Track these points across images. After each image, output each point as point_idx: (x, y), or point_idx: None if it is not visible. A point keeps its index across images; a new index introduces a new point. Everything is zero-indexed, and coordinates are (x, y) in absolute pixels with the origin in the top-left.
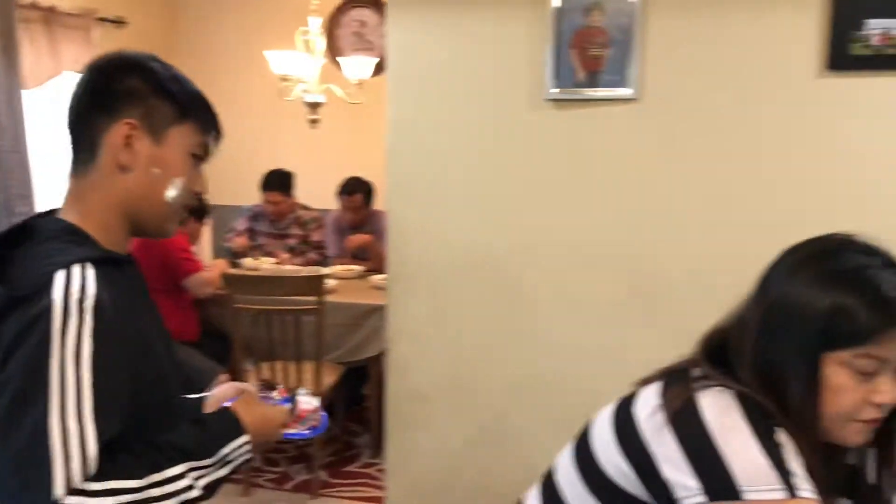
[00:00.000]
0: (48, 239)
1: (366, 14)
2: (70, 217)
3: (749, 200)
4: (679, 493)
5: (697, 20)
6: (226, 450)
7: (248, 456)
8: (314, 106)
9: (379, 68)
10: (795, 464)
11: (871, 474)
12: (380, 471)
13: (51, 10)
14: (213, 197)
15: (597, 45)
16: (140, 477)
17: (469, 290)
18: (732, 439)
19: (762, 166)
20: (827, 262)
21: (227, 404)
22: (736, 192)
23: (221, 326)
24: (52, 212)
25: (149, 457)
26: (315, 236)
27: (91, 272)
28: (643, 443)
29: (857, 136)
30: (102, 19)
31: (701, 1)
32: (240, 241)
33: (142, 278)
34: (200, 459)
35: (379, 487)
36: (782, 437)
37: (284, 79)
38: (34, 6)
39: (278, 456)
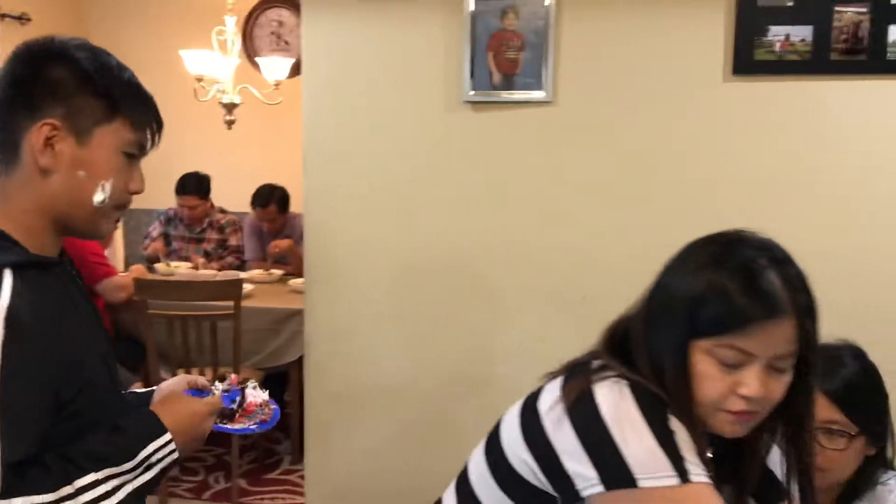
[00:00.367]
0: None
1: (283, 14)
2: None
3: (659, 200)
4: (579, 483)
5: (610, 25)
6: (146, 451)
7: (175, 455)
8: (230, 107)
9: (296, 69)
10: (688, 450)
11: (779, 470)
12: (301, 477)
13: None
14: None
15: (512, 49)
16: (50, 491)
17: (387, 291)
18: (627, 429)
19: (672, 167)
20: (712, 253)
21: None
22: (647, 192)
23: (135, 333)
24: None
25: (60, 469)
26: (232, 240)
27: (7, 280)
28: (545, 435)
29: (760, 138)
30: (4, 15)
31: (613, 6)
32: (154, 247)
33: (75, 280)
34: (118, 465)
35: (300, 493)
36: (675, 425)
37: (199, 79)
38: None
39: (196, 465)
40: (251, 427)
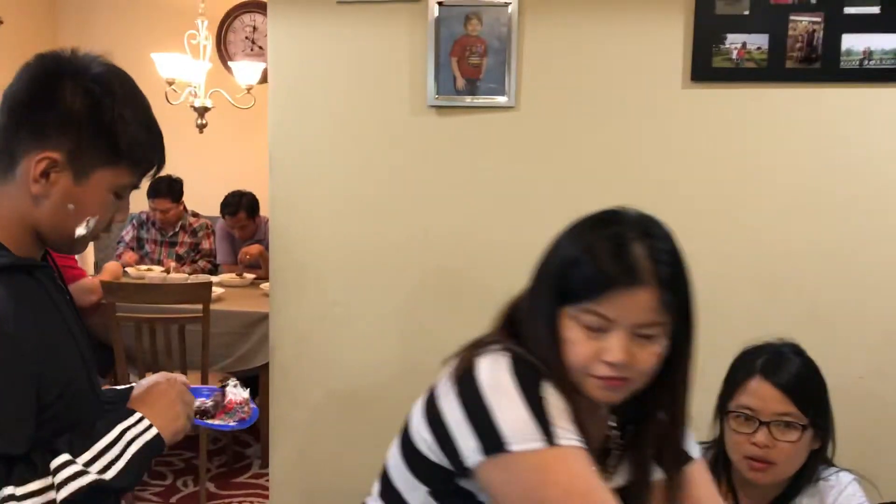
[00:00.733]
0: None
1: (258, 19)
2: None
3: (619, 203)
4: (464, 454)
5: (571, 32)
6: (115, 432)
7: (153, 431)
8: (202, 111)
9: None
10: (559, 416)
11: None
12: (269, 480)
13: None
14: None
15: (475, 54)
16: (39, 478)
17: (353, 294)
18: (501, 397)
19: (632, 172)
20: (588, 225)
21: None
22: (607, 197)
23: (104, 337)
24: None
25: (41, 460)
26: (205, 244)
27: None
28: (438, 410)
29: (718, 143)
30: None
31: (575, 14)
32: (128, 258)
33: (57, 283)
34: (89, 445)
35: (268, 497)
36: (548, 392)
37: (171, 82)
38: None
39: (165, 469)
40: (231, 424)
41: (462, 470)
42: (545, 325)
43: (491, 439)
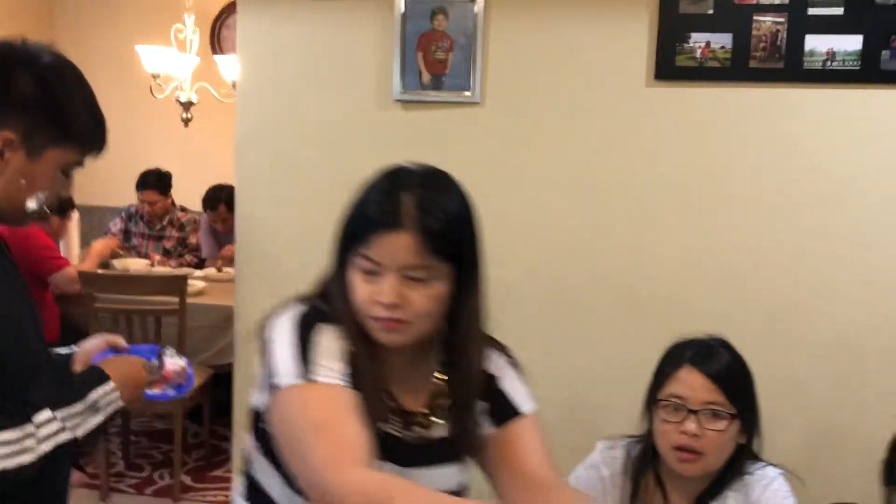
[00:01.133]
0: None
1: None
2: None
3: (583, 200)
4: (261, 402)
5: (537, 28)
6: (94, 394)
7: (118, 403)
8: (187, 105)
9: None
10: (326, 356)
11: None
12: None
13: None
14: (86, 197)
15: (441, 49)
16: (16, 427)
17: None
18: (279, 341)
19: (595, 169)
20: (372, 178)
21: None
22: (570, 193)
23: (83, 326)
24: None
25: (20, 410)
26: (192, 239)
27: None
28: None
29: (681, 141)
30: None
31: (541, 11)
32: (112, 241)
33: (5, 253)
34: (70, 405)
35: None
36: (323, 335)
37: (156, 76)
38: None
39: (143, 461)
40: (170, 393)
41: None
42: (336, 273)
43: (270, 378)
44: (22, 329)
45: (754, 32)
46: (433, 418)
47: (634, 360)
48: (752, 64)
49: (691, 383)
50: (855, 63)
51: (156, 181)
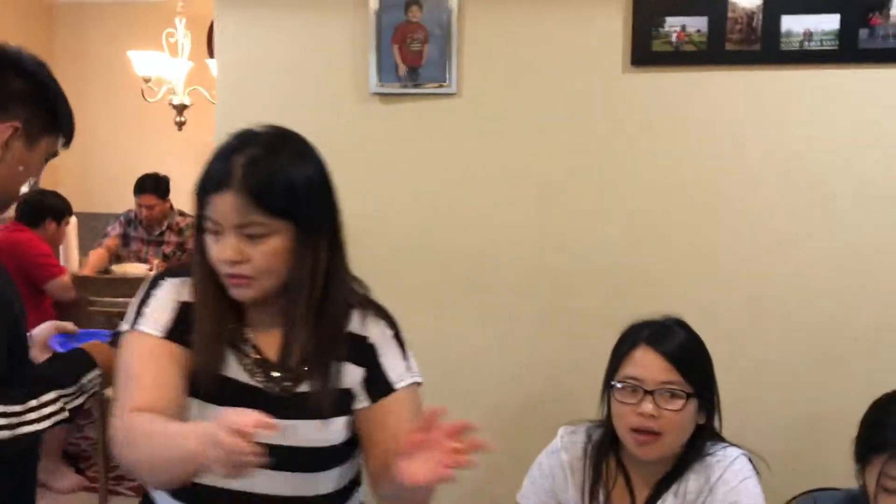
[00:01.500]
0: None
1: None
2: None
3: (562, 190)
4: None
5: (512, 17)
6: (84, 380)
7: (98, 387)
8: (180, 108)
9: None
10: (156, 308)
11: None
12: None
13: None
14: (85, 204)
15: (416, 41)
16: (20, 403)
17: None
18: (135, 296)
19: (574, 157)
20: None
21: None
22: (549, 182)
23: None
24: None
25: (23, 387)
26: (191, 243)
27: None
28: None
29: (659, 127)
30: None
31: None
32: (109, 243)
33: None
34: (64, 387)
35: None
36: (162, 290)
37: (147, 80)
38: None
39: None
40: None
41: None
42: (196, 236)
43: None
44: (17, 316)
45: (730, 14)
46: (292, 372)
47: None
48: (729, 46)
49: (647, 363)
50: (833, 43)
51: (153, 185)
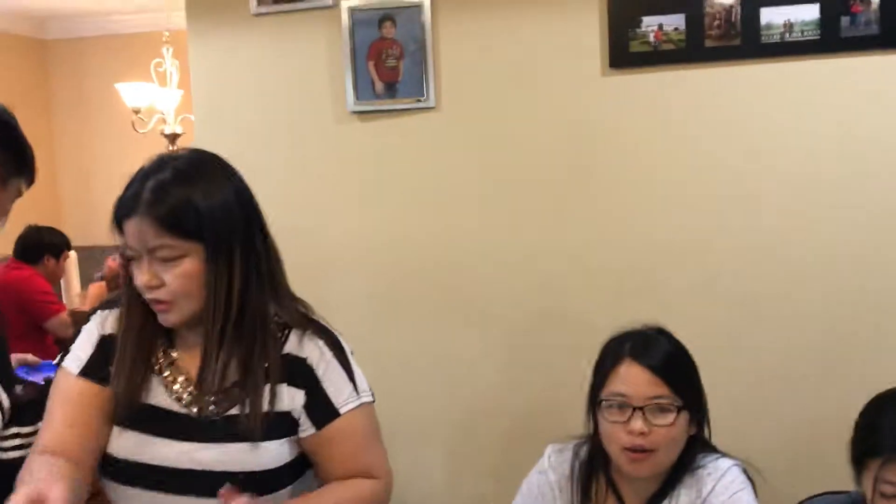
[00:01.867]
0: None
1: None
2: None
3: (545, 199)
4: None
5: (486, 28)
6: None
7: None
8: (172, 137)
9: None
10: (80, 345)
11: None
12: None
13: None
14: (84, 238)
15: (392, 57)
16: (31, 425)
17: None
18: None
19: (556, 165)
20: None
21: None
22: (533, 192)
23: None
24: None
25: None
26: None
27: None
28: None
29: (641, 129)
30: None
31: (489, 9)
32: (111, 266)
33: None
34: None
35: None
36: (91, 324)
37: (136, 111)
38: None
39: None
40: None
41: None
42: (123, 266)
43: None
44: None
45: (707, 10)
46: (219, 395)
47: None
48: (708, 43)
49: (633, 379)
50: (814, 33)
51: None
